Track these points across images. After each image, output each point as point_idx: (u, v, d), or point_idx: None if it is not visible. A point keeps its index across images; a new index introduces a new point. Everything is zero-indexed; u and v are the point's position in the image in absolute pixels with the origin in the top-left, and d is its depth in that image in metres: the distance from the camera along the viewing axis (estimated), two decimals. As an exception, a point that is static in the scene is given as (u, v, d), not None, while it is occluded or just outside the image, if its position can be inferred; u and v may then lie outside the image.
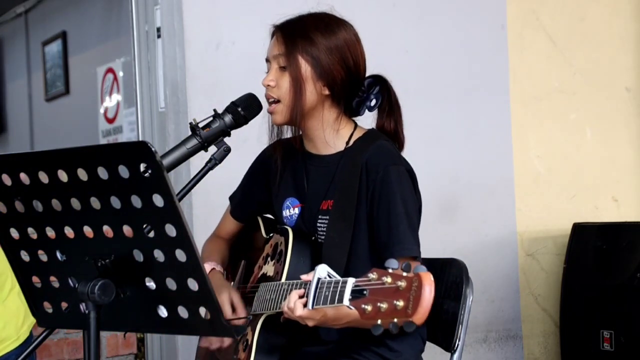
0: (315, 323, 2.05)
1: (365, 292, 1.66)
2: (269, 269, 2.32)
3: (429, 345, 2.41)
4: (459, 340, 2.35)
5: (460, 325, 2.36)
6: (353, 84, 2.32)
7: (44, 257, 1.87)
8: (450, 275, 2.44)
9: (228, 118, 2.23)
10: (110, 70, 6.32)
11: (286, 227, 2.32)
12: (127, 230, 1.75)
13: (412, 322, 1.58)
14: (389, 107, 2.36)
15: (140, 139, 3.39)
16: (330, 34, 2.29)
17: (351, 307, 1.69)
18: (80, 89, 6.76)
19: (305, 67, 2.27)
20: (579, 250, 4.00)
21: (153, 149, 1.63)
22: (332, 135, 2.34)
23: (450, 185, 3.97)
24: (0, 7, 7.59)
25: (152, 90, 3.61)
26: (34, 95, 7.44)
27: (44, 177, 1.76)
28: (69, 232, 1.81)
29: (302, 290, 2.02)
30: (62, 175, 1.74)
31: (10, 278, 2.57)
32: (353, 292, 1.70)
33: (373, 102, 2.35)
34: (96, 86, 6.47)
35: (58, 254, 1.85)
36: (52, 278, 1.89)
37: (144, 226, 1.73)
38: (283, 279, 2.21)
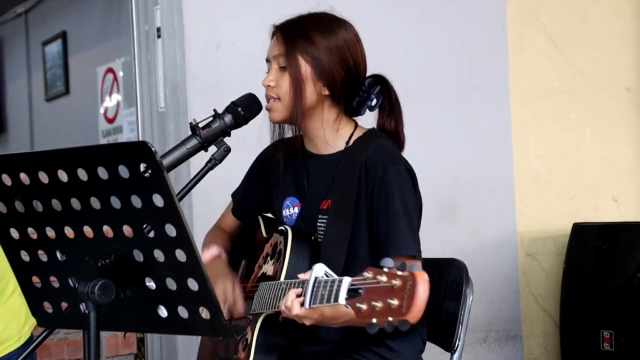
0: (312, 322, 2.06)
1: (360, 291, 1.66)
2: (268, 268, 2.32)
3: (429, 345, 2.41)
4: (459, 340, 2.35)
5: (460, 325, 2.36)
6: (353, 84, 2.32)
7: (44, 257, 1.87)
8: (450, 275, 2.44)
9: (228, 118, 2.23)
10: (110, 70, 6.32)
11: (285, 226, 2.32)
12: (127, 230, 1.75)
13: (407, 321, 1.59)
14: (390, 106, 2.36)
15: (140, 139, 3.39)
16: (330, 34, 2.29)
17: (347, 306, 1.69)
18: (80, 89, 6.76)
19: (305, 68, 2.27)
20: (579, 250, 4.00)
21: (153, 149, 1.63)
22: (332, 135, 2.34)
23: (450, 185, 3.97)
24: (0, 7, 7.59)
25: (152, 90, 3.61)
26: (34, 95, 7.44)
27: (44, 177, 1.76)
28: (69, 232, 1.81)
29: (299, 289, 2.02)
30: (62, 175, 1.74)
31: (13, 280, 2.57)
32: (349, 291, 1.70)
33: (374, 102, 2.35)
34: (96, 86, 6.47)
35: (58, 254, 1.85)
36: (52, 278, 1.89)
37: (144, 226, 1.73)
38: (282, 279, 2.21)
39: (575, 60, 4.29)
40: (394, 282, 1.61)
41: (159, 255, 1.74)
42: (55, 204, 1.78)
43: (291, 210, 2.39)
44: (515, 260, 4.13)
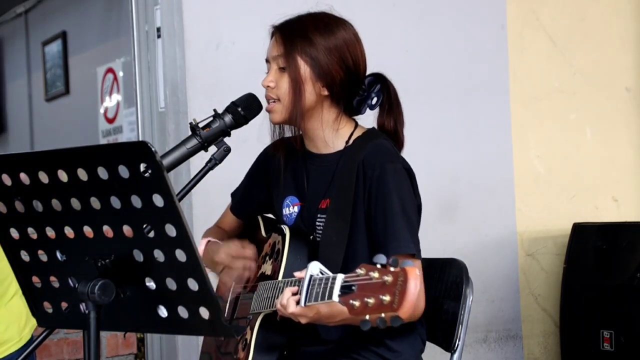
0: (308, 320, 2.06)
1: (353, 287, 1.66)
2: (267, 268, 2.33)
3: (429, 345, 2.41)
4: (459, 340, 2.35)
5: (460, 325, 2.36)
6: (353, 84, 2.32)
7: (44, 257, 1.87)
8: (450, 275, 2.44)
9: (228, 118, 2.23)
10: (110, 70, 6.32)
11: (284, 226, 2.32)
12: (127, 230, 1.75)
13: (398, 317, 1.59)
14: (389, 105, 2.36)
15: (140, 139, 3.39)
16: (329, 34, 2.29)
17: (341, 302, 1.69)
18: (80, 89, 6.76)
19: (304, 68, 2.27)
20: (579, 250, 4.00)
21: (153, 149, 1.63)
22: (331, 134, 2.34)
23: (450, 185, 3.97)
24: (0, 7, 7.59)
25: (152, 90, 3.61)
26: (34, 95, 7.45)
27: (44, 177, 1.76)
28: (69, 232, 1.81)
29: (295, 288, 2.03)
30: (62, 175, 1.74)
31: (15, 282, 2.57)
32: (342, 287, 1.70)
33: (374, 101, 2.35)
34: (96, 86, 6.47)
35: (58, 254, 1.85)
36: (52, 278, 1.89)
37: (144, 226, 1.73)
38: (280, 278, 2.21)
39: (575, 60, 4.29)
40: (385, 278, 1.61)
41: (159, 255, 1.74)
42: (55, 204, 1.78)
43: (291, 209, 2.39)
44: (515, 260, 4.13)
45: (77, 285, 1.78)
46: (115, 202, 1.71)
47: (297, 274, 2.02)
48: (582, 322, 3.92)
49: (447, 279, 2.44)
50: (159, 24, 3.55)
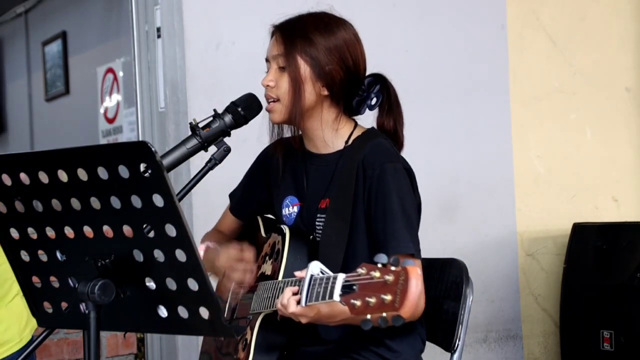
0: (308, 320, 2.06)
1: (355, 287, 1.66)
2: (267, 268, 2.32)
3: (429, 345, 2.41)
4: (459, 340, 2.35)
5: (460, 325, 2.36)
6: (352, 84, 2.32)
7: (44, 257, 1.87)
8: (450, 275, 2.44)
9: (228, 118, 2.23)
10: (110, 70, 6.32)
11: (283, 226, 2.32)
12: (127, 230, 1.75)
13: (400, 316, 1.59)
14: (389, 105, 2.36)
15: (140, 139, 3.39)
16: (330, 34, 2.29)
17: (342, 302, 1.69)
18: (80, 89, 6.76)
19: (304, 68, 2.27)
20: (579, 250, 4.00)
21: (153, 149, 1.63)
22: (331, 134, 2.34)
23: (450, 185, 3.97)
24: (0, 7, 7.59)
25: (152, 90, 3.61)
26: (34, 95, 7.45)
27: (44, 177, 1.76)
28: (69, 232, 1.81)
29: (295, 288, 2.03)
30: (62, 175, 1.74)
31: (16, 283, 2.57)
32: (343, 287, 1.70)
33: (374, 101, 2.35)
34: (96, 86, 6.47)
35: (58, 254, 1.85)
36: (52, 278, 1.89)
37: (144, 226, 1.73)
38: (280, 278, 2.21)
39: (575, 60, 4.29)
40: (386, 277, 1.62)
41: (159, 255, 1.74)
42: (55, 204, 1.78)
43: (290, 209, 2.39)
44: (515, 260, 4.13)
45: (77, 285, 1.78)
46: (115, 202, 1.71)
47: (298, 274, 2.02)
48: (582, 322, 3.92)
49: (447, 279, 2.44)
50: (159, 24, 3.55)
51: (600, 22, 4.36)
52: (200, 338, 2.58)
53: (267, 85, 2.31)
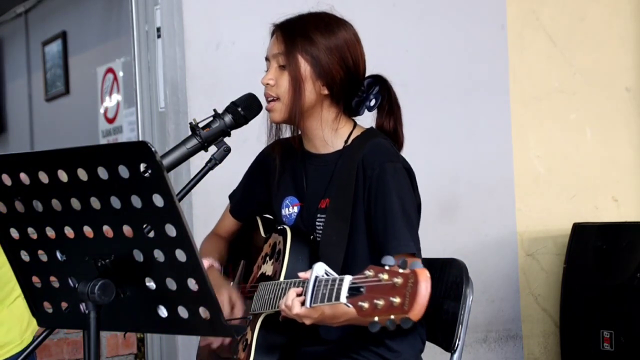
0: (312, 321, 2.06)
1: (362, 289, 1.66)
2: (267, 268, 2.32)
3: (429, 345, 2.41)
4: (459, 340, 2.35)
5: (460, 325, 2.36)
6: (352, 84, 2.32)
7: (44, 257, 1.87)
8: (450, 275, 2.44)
9: (228, 118, 2.23)
10: (110, 70, 6.32)
11: (284, 226, 2.32)
12: (127, 230, 1.74)
13: (409, 319, 1.59)
14: (389, 107, 2.36)
15: (140, 139, 3.39)
16: (330, 34, 2.29)
17: (348, 304, 1.69)
18: (80, 89, 6.76)
19: (305, 67, 2.27)
20: (579, 250, 4.00)
21: (153, 149, 1.63)
22: (331, 134, 2.34)
23: (450, 185, 3.97)
24: (0, 7, 7.59)
25: (152, 90, 3.61)
26: (34, 95, 7.45)
27: (44, 177, 1.76)
28: (69, 232, 1.81)
29: (300, 289, 2.02)
30: (62, 175, 1.74)
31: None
32: (350, 289, 1.70)
33: (372, 102, 2.35)
34: (96, 86, 6.47)
35: (58, 254, 1.85)
36: (52, 278, 1.89)
37: (144, 226, 1.73)
38: (281, 278, 2.21)
39: (575, 60, 4.29)
40: (395, 280, 1.62)
41: (159, 255, 1.74)
42: (55, 204, 1.78)
43: (290, 209, 2.39)
44: (515, 260, 4.13)
45: (77, 285, 1.78)
46: (115, 202, 1.71)
47: (302, 275, 2.02)
48: (582, 322, 3.92)
49: (447, 279, 2.44)
50: (159, 24, 3.55)
51: (600, 22, 4.36)
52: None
53: (267, 84, 2.31)
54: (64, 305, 1.91)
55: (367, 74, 2.37)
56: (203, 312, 1.75)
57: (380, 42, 3.68)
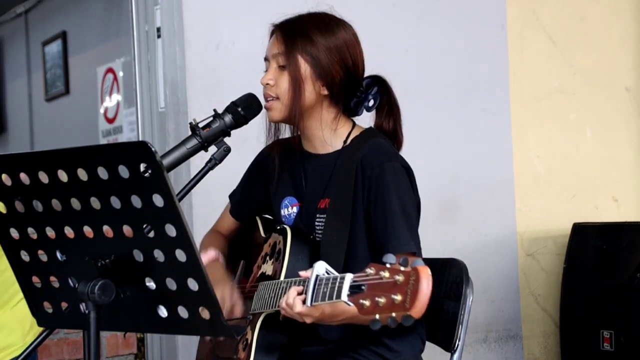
0: (313, 320, 2.06)
1: (363, 287, 1.67)
2: (267, 268, 2.32)
3: (429, 345, 2.41)
4: (459, 340, 2.35)
5: (460, 325, 2.36)
6: (352, 84, 2.32)
7: (44, 257, 1.87)
8: (450, 275, 2.44)
9: (228, 118, 2.23)
10: (110, 70, 6.32)
11: (284, 226, 2.32)
12: (127, 230, 1.74)
13: (411, 316, 1.59)
14: (388, 107, 2.36)
15: (140, 139, 3.39)
16: (330, 34, 2.29)
17: (349, 303, 1.69)
18: (80, 89, 6.76)
19: (305, 67, 2.27)
20: (579, 250, 4.00)
21: (153, 149, 1.63)
22: (330, 134, 2.34)
23: (450, 185, 3.97)
24: (0, 7, 7.59)
25: (152, 90, 3.61)
26: (34, 95, 7.45)
27: (44, 177, 1.76)
28: (69, 232, 1.81)
29: (300, 287, 2.03)
30: (62, 175, 1.74)
31: None
32: (351, 287, 1.70)
33: (371, 103, 2.35)
34: (96, 86, 6.47)
35: (58, 254, 1.85)
36: (52, 278, 1.89)
37: (144, 226, 1.73)
38: (281, 278, 2.21)
39: (575, 60, 4.29)
40: (396, 277, 1.62)
41: (159, 255, 1.74)
42: (55, 204, 1.78)
43: (290, 210, 2.39)
44: (515, 260, 4.13)
45: (77, 285, 1.78)
46: (115, 202, 1.71)
47: (303, 274, 2.02)
48: (582, 322, 3.92)
49: (447, 279, 2.44)
50: (159, 24, 3.55)
51: (600, 22, 4.36)
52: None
53: (267, 84, 2.31)
54: (64, 305, 1.91)
55: (367, 74, 2.37)
56: (203, 312, 1.75)
57: (380, 42, 3.68)
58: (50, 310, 1.93)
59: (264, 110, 2.32)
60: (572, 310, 3.99)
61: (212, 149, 2.22)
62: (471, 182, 4.01)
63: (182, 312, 1.77)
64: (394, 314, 1.60)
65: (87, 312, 1.75)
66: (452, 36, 3.99)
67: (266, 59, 2.35)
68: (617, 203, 4.37)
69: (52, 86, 7.06)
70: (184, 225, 1.68)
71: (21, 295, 2.55)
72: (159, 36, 3.55)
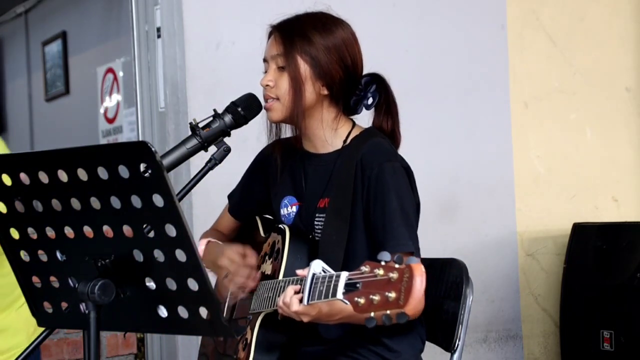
0: (310, 319, 2.06)
1: (358, 285, 1.67)
2: (267, 267, 2.32)
3: (429, 345, 2.41)
4: (459, 340, 2.35)
5: (460, 325, 2.36)
6: (351, 83, 2.32)
7: (44, 257, 1.87)
8: (450, 275, 2.44)
9: (228, 118, 2.23)
10: (110, 70, 6.32)
11: (283, 225, 2.32)
12: (127, 230, 1.74)
13: (405, 313, 1.59)
14: (387, 105, 2.36)
15: (140, 139, 3.39)
16: (328, 34, 2.29)
17: (345, 300, 1.69)
18: (80, 89, 6.76)
19: (304, 67, 2.27)
20: (579, 250, 4.00)
21: (153, 149, 1.63)
22: (330, 134, 2.34)
23: (450, 185, 3.97)
24: (0, 7, 7.60)
25: (152, 90, 3.61)
26: (34, 95, 7.45)
27: (44, 177, 1.76)
28: (69, 232, 1.81)
29: (297, 286, 2.03)
30: (62, 175, 1.74)
31: None
32: (346, 285, 1.70)
33: (370, 101, 2.35)
34: (96, 86, 6.47)
35: (58, 254, 1.85)
36: (52, 278, 1.89)
37: (144, 226, 1.73)
38: (280, 277, 2.21)
39: (575, 60, 4.29)
40: (391, 275, 1.62)
41: (159, 255, 1.74)
42: (55, 204, 1.78)
43: (289, 209, 2.39)
44: (515, 260, 4.13)
45: (77, 285, 1.78)
46: (115, 202, 1.71)
47: (300, 272, 2.02)
48: (582, 322, 3.92)
49: (447, 279, 2.44)
50: (159, 24, 3.55)
51: (600, 22, 4.36)
52: (200, 338, 2.58)
53: (267, 85, 2.31)
54: (64, 305, 1.91)
55: (366, 72, 2.37)
56: (203, 312, 1.75)
57: (380, 42, 3.68)
58: (50, 310, 1.93)
59: (264, 110, 2.32)
60: (572, 310, 3.99)
61: (212, 149, 2.22)
62: (471, 182, 4.01)
63: (182, 312, 1.77)
64: (388, 312, 1.60)
65: (87, 312, 1.75)
66: (452, 36, 3.99)
67: (265, 60, 2.35)
68: (617, 203, 4.37)
69: (52, 86, 7.07)
70: (184, 225, 1.68)
71: None
72: (159, 36, 3.55)
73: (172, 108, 3.52)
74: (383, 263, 1.64)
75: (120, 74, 6.18)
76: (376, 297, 1.62)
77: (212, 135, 2.21)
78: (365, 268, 1.67)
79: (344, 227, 2.23)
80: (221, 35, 3.53)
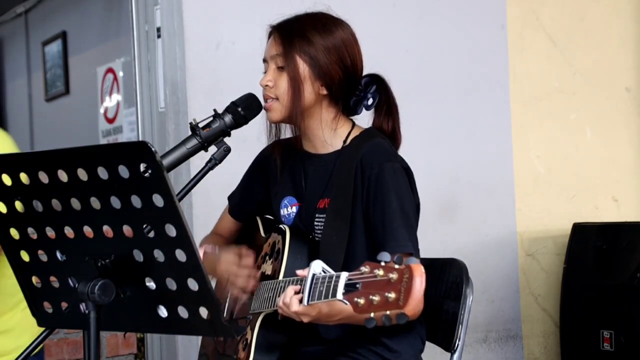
0: (310, 319, 2.06)
1: (358, 285, 1.67)
2: (267, 268, 2.32)
3: (429, 345, 2.41)
4: (459, 340, 2.35)
5: (460, 325, 2.36)
6: (351, 84, 2.32)
7: (44, 257, 1.87)
8: (450, 275, 2.44)
9: (228, 118, 2.23)
10: (110, 70, 6.32)
11: (283, 225, 2.32)
12: (127, 230, 1.74)
13: (404, 314, 1.59)
14: (387, 106, 2.36)
15: (140, 139, 3.39)
16: (328, 34, 2.29)
17: (345, 301, 1.69)
18: (80, 89, 6.76)
19: (304, 67, 2.27)
20: (579, 250, 4.00)
21: (153, 149, 1.63)
22: (330, 134, 2.34)
23: (450, 185, 3.97)
24: (0, 7, 7.60)
25: (152, 90, 3.61)
26: (34, 95, 7.45)
27: (44, 177, 1.76)
28: (69, 232, 1.81)
29: (297, 286, 2.03)
30: (62, 175, 1.74)
31: None
32: (346, 286, 1.70)
33: (370, 101, 2.35)
34: (96, 86, 6.47)
35: (58, 254, 1.85)
36: (52, 278, 1.89)
37: (144, 226, 1.73)
38: (280, 277, 2.21)
39: (575, 60, 4.29)
40: (390, 275, 1.62)
41: (159, 255, 1.74)
42: (55, 204, 1.78)
43: (289, 209, 2.39)
44: (515, 260, 4.13)
45: (77, 285, 1.78)
46: (115, 202, 1.71)
47: (300, 272, 2.03)
48: (582, 322, 3.92)
49: (447, 279, 2.44)
50: (159, 24, 3.55)
51: (600, 22, 4.36)
52: (200, 338, 2.58)
53: (266, 85, 2.31)
54: (64, 305, 1.91)
55: (366, 73, 2.37)
56: (203, 312, 1.75)
57: (380, 42, 3.68)
58: (50, 310, 1.93)
59: (264, 110, 2.32)
60: (572, 310, 3.99)
61: (212, 149, 2.22)
62: (471, 182, 4.01)
63: (182, 312, 1.77)
64: (388, 312, 1.60)
65: (87, 312, 1.75)
66: (452, 36, 3.99)
67: (265, 61, 2.35)
68: (617, 203, 4.37)
69: (52, 86, 7.07)
70: (184, 225, 1.68)
71: None
72: (159, 36, 3.55)
73: (172, 108, 3.52)
74: (383, 264, 1.64)
75: (120, 74, 6.18)
76: (376, 298, 1.62)
77: (212, 135, 2.21)
78: (365, 268, 1.67)
79: (344, 228, 2.23)
80: (221, 35, 3.53)
